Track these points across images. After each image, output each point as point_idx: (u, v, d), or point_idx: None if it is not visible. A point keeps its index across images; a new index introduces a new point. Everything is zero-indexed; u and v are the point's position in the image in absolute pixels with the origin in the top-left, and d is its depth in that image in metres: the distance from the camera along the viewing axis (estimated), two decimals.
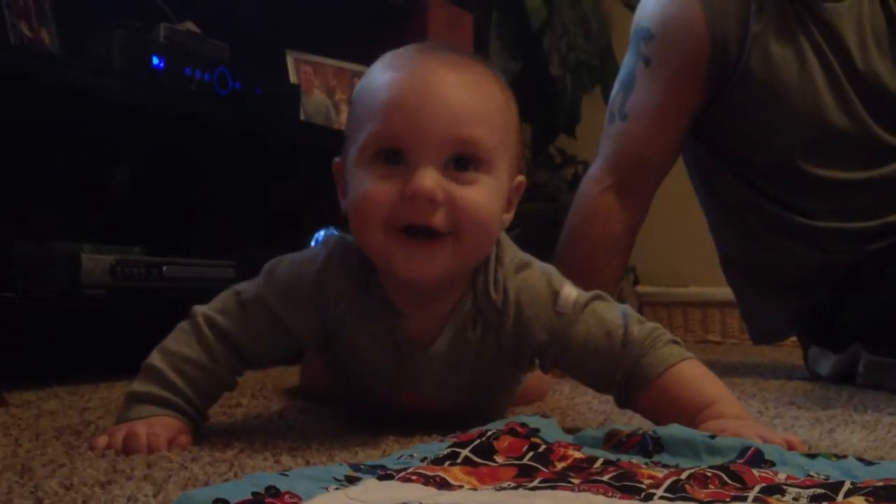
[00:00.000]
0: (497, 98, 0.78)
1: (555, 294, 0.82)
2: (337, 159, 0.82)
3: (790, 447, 0.68)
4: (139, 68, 1.30)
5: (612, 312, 0.82)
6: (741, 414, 0.78)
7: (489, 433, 0.63)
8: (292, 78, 1.68)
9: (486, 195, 0.76)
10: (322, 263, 0.82)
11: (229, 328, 0.82)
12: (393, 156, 0.74)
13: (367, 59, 1.95)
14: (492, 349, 0.83)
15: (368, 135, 0.75)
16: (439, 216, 0.74)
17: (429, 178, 0.73)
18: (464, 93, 0.75)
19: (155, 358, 0.82)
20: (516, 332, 0.82)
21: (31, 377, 1.18)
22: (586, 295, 0.83)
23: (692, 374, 0.81)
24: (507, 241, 0.85)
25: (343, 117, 1.74)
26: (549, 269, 0.85)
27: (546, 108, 2.58)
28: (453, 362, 0.82)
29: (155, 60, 1.32)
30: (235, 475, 0.63)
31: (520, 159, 0.82)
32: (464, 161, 0.75)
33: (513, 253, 0.84)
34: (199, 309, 0.84)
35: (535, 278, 0.82)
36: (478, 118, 0.75)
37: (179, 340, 0.82)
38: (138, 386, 0.80)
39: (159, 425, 0.76)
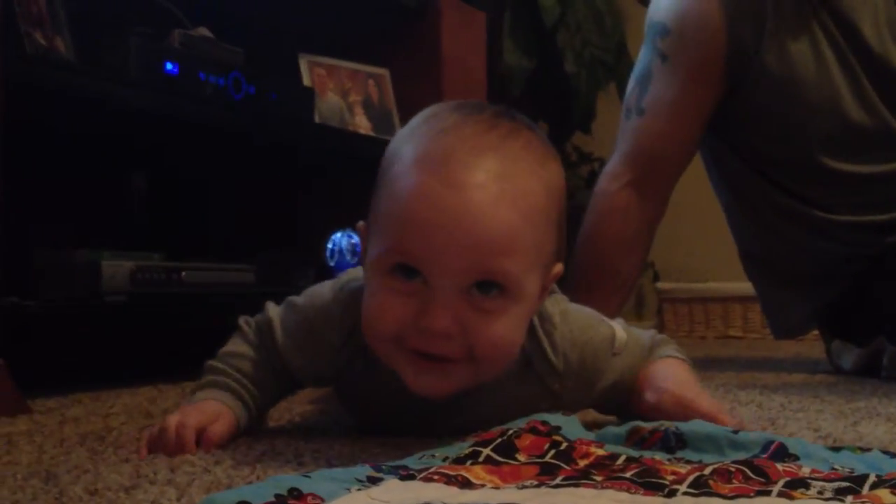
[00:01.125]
0: (538, 201, 0.70)
1: (612, 341, 0.81)
2: (361, 224, 0.76)
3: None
4: (154, 75, 1.31)
5: (638, 330, 0.85)
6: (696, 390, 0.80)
7: (510, 432, 0.62)
8: (306, 81, 1.69)
9: (510, 325, 0.70)
10: (322, 318, 0.79)
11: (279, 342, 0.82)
12: (412, 271, 0.68)
13: (381, 60, 1.96)
14: (538, 396, 0.80)
15: (388, 246, 0.69)
16: (454, 347, 0.69)
17: (446, 315, 0.67)
18: (497, 211, 0.67)
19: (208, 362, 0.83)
20: (575, 385, 0.81)
21: (54, 384, 1.19)
22: (625, 328, 0.83)
23: (670, 363, 0.83)
24: (549, 299, 0.80)
25: (357, 119, 1.74)
26: (598, 314, 0.83)
27: (561, 106, 2.58)
28: (488, 407, 0.76)
29: (169, 66, 1.33)
30: (258, 478, 0.64)
31: (561, 248, 0.75)
32: (489, 286, 0.68)
33: (556, 307, 0.79)
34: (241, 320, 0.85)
35: (594, 334, 0.80)
36: (509, 245, 0.67)
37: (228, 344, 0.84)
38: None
39: (195, 412, 0.75)
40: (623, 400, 0.84)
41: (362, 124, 1.75)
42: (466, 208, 0.66)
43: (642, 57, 1.45)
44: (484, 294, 0.69)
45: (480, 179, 0.67)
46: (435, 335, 0.68)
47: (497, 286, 0.69)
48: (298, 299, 0.83)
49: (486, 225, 0.67)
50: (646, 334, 0.87)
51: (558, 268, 0.76)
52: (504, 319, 0.70)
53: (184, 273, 1.32)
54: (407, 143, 0.72)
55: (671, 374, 0.82)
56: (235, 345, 0.84)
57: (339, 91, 1.74)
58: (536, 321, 0.78)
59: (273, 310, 0.84)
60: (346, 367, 0.81)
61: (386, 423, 0.82)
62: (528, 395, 0.79)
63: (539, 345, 0.79)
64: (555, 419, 0.66)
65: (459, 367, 0.71)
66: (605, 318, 0.83)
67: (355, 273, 0.82)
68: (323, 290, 0.82)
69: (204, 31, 1.48)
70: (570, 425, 0.67)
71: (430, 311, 0.68)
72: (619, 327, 0.83)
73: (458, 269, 0.67)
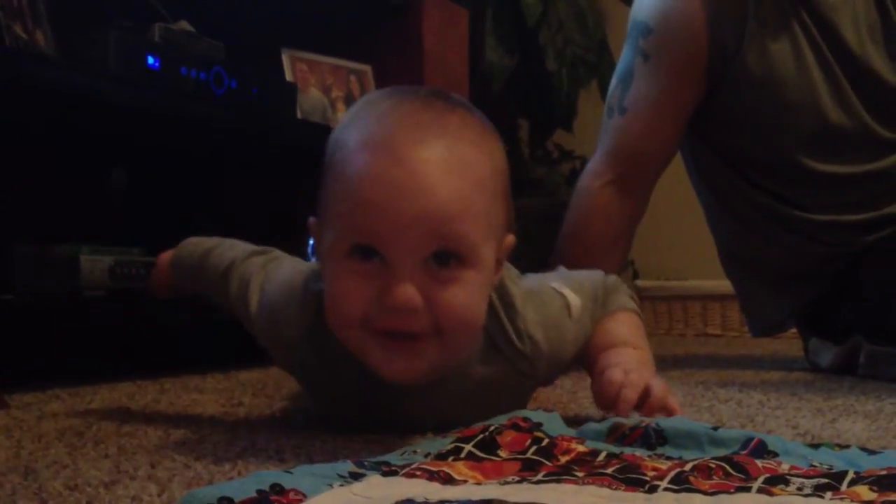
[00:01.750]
0: (482, 172, 0.71)
1: (568, 309, 0.82)
2: (312, 219, 0.76)
3: (670, 412, 0.76)
4: (134, 69, 1.30)
5: (591, 288, 0.86)
6: (641, 358, 0.84)
7: (492, 428, 0.63)
8: (288, 76, 1.68)
9: (471, 293, 0.70)
10: (281, 312, 0.81)
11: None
12: (369, 252, 0.69)
13: (363, 56, 1.95)
14: (508, 375, 0.80)
15: (342, 230, 0.70)
16: (420, 321, 0.69)
17: (408, 288, 0.67)
18: (445, 181, 0.68)
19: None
20: (546, 365, 0.82)
21: (32, 379, 1.18)
22: (579, 291, 0.85)
23: (622, 321, 0.86)
24: (506, 274, 0.80)
25: (340, 115, 1.74)
26: (548, 281, 0.84)
27: (543, 104, 2.58)
28: (455, 393, 0.78)
29: (150, 60, 1.32)
30: (239, 473, 0.63)
31: (510, 220, 0.76)
32: (445, 256, 0.69)
33: (518, 288, 0.80)
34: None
35: (554, 310, 0.81)
36: (461, 211, 0.68)
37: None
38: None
39: None
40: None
41: None
42: (415, 181, 0.67)
43: (625, 56, 1.46)
44: (442, 265, 0.69)
45: (425, 154, 0.68)
46: (400, 310, 0.68)
47: (454, 255, 0.69)
48: (272, 280, 0.85)
49: (436, 194, 0.67)
50: (595, 280, 0.88)
51: (510, 239, 0.77)
52: (464, 287, 0.70)
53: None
54: (348, 131, 0.73)
55: (623, 353, 0.83)
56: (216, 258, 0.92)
57: (321, 86, 1.74)
58: (499, 305, 0.79)
59: (257, 276, 0.86)
60: (304, 362, 0.82)
61: (352, 413, 0.82)
62: (496, 376, 0.80)
63: (503, 330, 0.79)
64: (536, 416, 0.67)
65: (428, 344, 0.70)
66: (554, 282, 0.84)
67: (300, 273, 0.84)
68: (287, 283, 0.83)
69: (185, 25, 1.47)
70: (552, 422, 0.67)
71: (393, 287, 0.68)
72: (568, 291, 0.83)
73: (415, 242, 0.68)
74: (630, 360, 0.82)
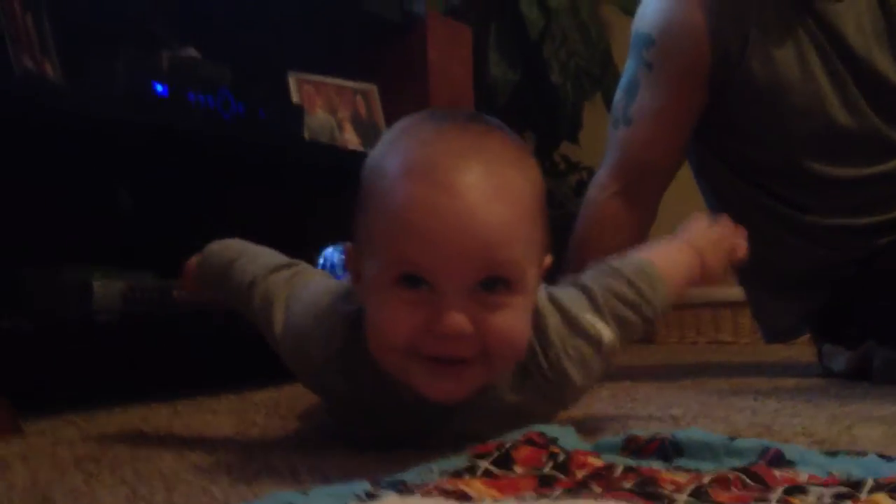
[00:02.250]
0: (525, 195, 0.71)
1: (599, 344, 0.81)
2: (349, 245, 0.77)
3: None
4: (142, 96, 1.31)
5: (632, 317, 0.85)
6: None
7: (507, 444, 0.63)
8: (295, 98, 1.69)
9: (518, 317, 0.71)
10: (306, 335, 0.81)
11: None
12: (416, 280, 0.68)
13: (369, 75, 1.96)
14: (535, 401, 0.80)
15: (389, 259, 0.69)
16: (470, 346, 0.69)
17: (458, 316, 0.67)
18: (492, 208, 0.68)
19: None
20: (572, 394, 0.83)
21: (46, 404, 1.18)
22: (612, 322, 0.83)
23: (673, 267, 0.91)
24: (542, 297, 0.81)
25: (347, 135, 1.75)
26: (582, 308, 0.83)
27: (548, 116, 2.59)
28: (482, 417, 0.77)
29: (158, 88, 1.33)
30: (255, 495, 0.63)
31: (548, 240, 0.76)
32: (493, 282, 0.69)
33: (554, 318, 0.80)
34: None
35: (585, 346, 0.81)
36: (508, 238, 0.68)
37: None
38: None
39: None
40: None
41: (351, 140, 1.75)
42: (462, 209, 0.67)
43: (628, 67, 1.46)
44: (489, 291, 0.69)
45: (470, 180, 0.68)
46: (450, 338, 0.68)
47: (502, 281, 0.69)
48: (298, 298, 0.84)
49: (483, 221, 0.67)
50: (633, 301, 0.86)
51: (548, 259, 0.78)
52: (511, 312, 0.70)
53: (175, 292, 1.31)
54: (388, 158, 0.72)
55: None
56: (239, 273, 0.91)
57: (327, 107, 1.74)
58: (532, 333, 0.78)
59: (281, 294, 0.85)
60: (328, 385, 0.81)
61: (374, 434, 0.82)
62: (524, 402, 0.79)
63: (535, 358, 0.79)
64: (551, 430, 0.66)
65: (473, 368, 0.71)
66: (589, 313, 0.83)
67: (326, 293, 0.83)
68: (315, 303, 0.82)
69: (191, 51, 1.48)
70: (567, 436, 0.67)
71: (442, 314, 0.68)
72: (602, 326, 0.82)
73: (463, 270, 0.68)
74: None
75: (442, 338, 0.68)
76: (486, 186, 0.68)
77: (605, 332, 0.82)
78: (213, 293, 0.99)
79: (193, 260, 1.02)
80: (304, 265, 0.91)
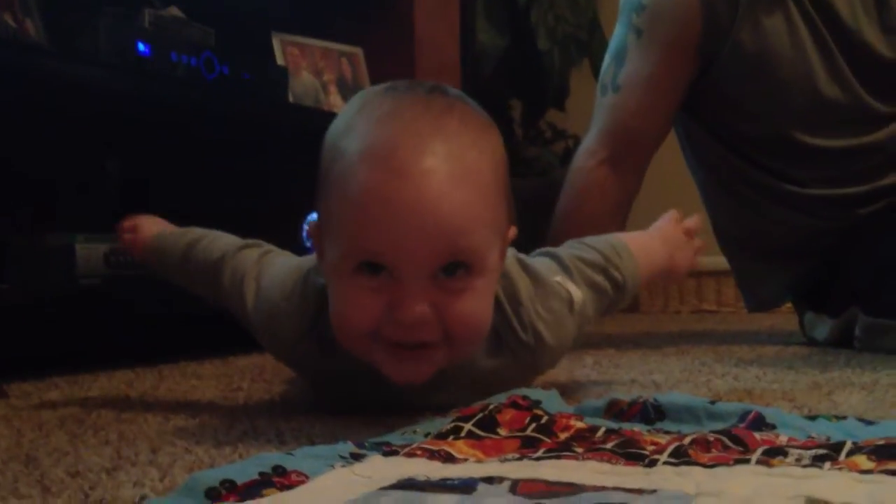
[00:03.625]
0: (485, 175, 0.70)
1: (570, 303, 0.82)
2: (313, 222, 0.76)
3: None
4: (125, 56, 1.29)
5: (599, 279, 0.87)
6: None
7: (491, 406, 0.63)
8: (279, 60, 1.68)
9: (479, 300, 0.71)
10: (278, 310, 0.81)
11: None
12: (376, 267, 0.68)
13: (355, 38, 1.94)
14: (510, 367, 0.81)
15: (348, 247, 0.69)
16: (430, 331, 0.69)
17: (419, 304, 0.67)
18: (451, 194, 0.67)
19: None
20: (549, 356, 0.83)
21: (30, 368, 1.18)
22: (582, 284, 0.85)
23: (641, 246, 0.94)
24: (511, 264, 0.81)
25: (332, 98, 1.74)
26: (551, 271, 0.84)
27: (535, 83, 2.58)
28: (458, 385, 0.78)
29: (141, 47, 1.31)
30: (240, 457, 0.64)
31: (511, 212, 0.76)
32: (453, 267, 0.69)
33: (524, 282, 0.80)
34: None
35: (556, 304, 0.81)
36: (468, 224, 0.68)
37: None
38: None
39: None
40: None
41: (336, 103, 1.74)
42: (420, 196, 0.66)
43: (617, 33, 1.45)
44: (450, 276, 0.69)
45: (428, 165, 0.67)
46: (411, 325, 0.68)
47: (462, 265, 0.69)
48: (268, 274, 0.84)
49: (443, 209, 0.66)
50: (601, 266, 0.88)
51: (512, 231, 0.78)
52: (473, 295, 0.70)
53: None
54: (346, 137, 0.71)
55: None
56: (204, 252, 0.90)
57: (312, 70, 1.73)
58: (504, 297, 0.79)
59: (251, 271, 0.85)
60: (304, 356, 0.81)
61: (353, 403, 0.82)
62: (499, 367, 0.80)
63: (508, 322, 0.79)
64: (535, 393, 0.67)
65: (436, 351, 0.71)
66: (558, 276, 0.84)
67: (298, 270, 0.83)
68: (285, 279, 0.82)
69: (175, 11, 1.47)
70: (550, 399, 0.67)
71: (403, 302, 0.68)
72: (572, 286, 0.84)
73: (423, 258, 0.67)
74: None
75: (403, 325, 0.68)
76: (445, 171, 0.67)
77: (575, 292, 0.83)
78: (166, 272, 0.98)
79: (145, 235, 0.99)
80: (268, 245, 0.91)
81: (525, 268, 0.82)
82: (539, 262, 0.86)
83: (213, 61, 1.42)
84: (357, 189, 0.68)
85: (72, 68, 1.21)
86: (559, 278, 0.84)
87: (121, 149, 1.66)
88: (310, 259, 0.83)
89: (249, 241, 0.91)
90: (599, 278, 0.87)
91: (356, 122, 0.71)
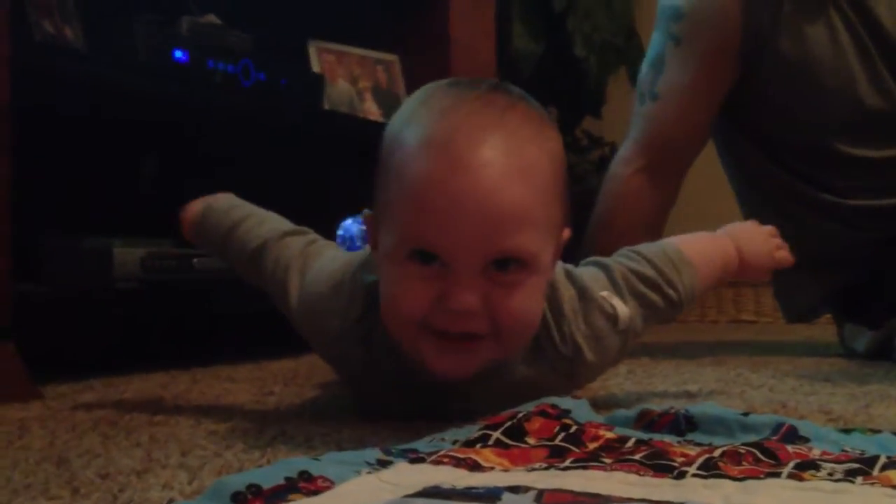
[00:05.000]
0: (544, 172, 0.70)
1: (614, 320, 0.81)
2: (367, 213, 0.76)
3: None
4: (163, 62, 1.31)
5: (652, 296, 0.84)
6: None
7: (520, 415, 0.62)
8: (315, 67, 1.69)
9: (530, 295, 0.71)
10: (325, 304, 0.80)
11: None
12: (429, 257, 0.68)
13: (390, 46, 1.95)
14: (547, 377, 0.80)
15: (403, 234, 0.69)
16: (479, 323, 0.70)
17: (468, 294, 0.68)
18: (508, 188, 0.67)
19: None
20: (587, 370, 0.82)
21: (66, 370, 1.19)
22: (630, 300, 0.83)
23: (702, 254, 0.90)
24: (558, 273, 0.80)
25: (367, 105, 1.74)
26: (598, 284, 0.82)
27: (571, 91, 2.56)
28: (495, 392, 0.77)
29: (178, 54, 1.33)
30: (269, 461, 0.64)
31: (567, 214, 0.75)
32: (506, 262, 0.69)
33: (569, 293, 0.79)
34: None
35: (599, 320, 0.80)
36: (522, 221, 0.68)
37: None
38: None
39: None
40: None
41: (372, 110, 1.75)
42: (477, 189, 0.66)
43: (655, 41, 1.44)
44: (502, 270, 0.69)
45: (487, 157, 0.67)
46: (459, 314, 0.68)
47: (515, 261, 0.69)
48: (314, 267, 0.84)
49: (497, 203, 0.67)
50: (656, 283, 0.85)
51: (567, 232, 0.77)
52: (524, 291, 0.70)
53: (195, 259, 1.32)
54: (407, 128, 0.71)
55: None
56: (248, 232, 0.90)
57: (348, 77, 1.74)
58: (546, 307, 0.78)
59: (296, 262, 0.84)
60: (348, 356, 0.81)
61: (390, 408, 0.82)
62: (537, 376, 0.79)
63: (548, 331, 0.79)
64: (564, 402, 0.66)
65: (483, 344, 0.71)
66: (605, 290, 0.82)
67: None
68: (333, 272, 0.82)
69: (212, 18, 1.48)
70: (580, 408, 0.67)
71: (453, 291, 0.68)
72: (618, 301, 0.82)
73: (476, 251, 0.67)
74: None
75: (452, 313, 0.68)
76: (503, 165, 0.67)
77: (621, 308, 0.81)
78: (210, 250, 0.98)
79: (194, 209, 0.98)
80: (313, 234, 0.91)
81: (572, 279, 0.81)
82: (588, 272, 0.84)
83: (250, 68, 1.43)
84: (414, 177, 0.68)
85: (110, 75, 1.23)
86: (606, 293, 0.82)
87: (158, 154, 1.68)
88: (359, 255, 0.84)
89: (295, 227, 0.91)
90: (653, 296, 0.84)
91: (418, 113, 0.72)
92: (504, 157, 0.68)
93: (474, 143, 0.68)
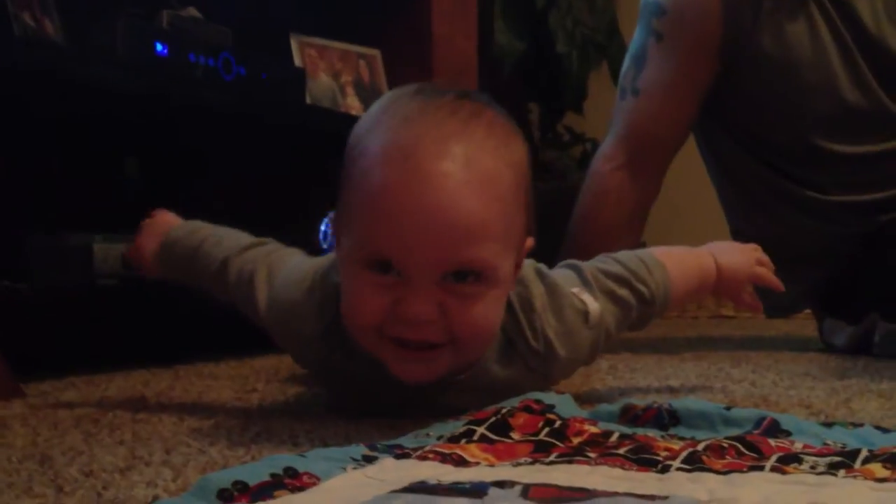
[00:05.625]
0: (505, 185, 0.70)
1: (585, 316, 0.81)
2: (331, 214, 0.76)
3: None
4: (143, 56, 1.30)
5: (622, 291, 0.85)
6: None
7: (504, 411, 0.63)
8: (297, 62, 1.68)
9: (487, 308, 0.71)
10: (297, 311, 0.80)
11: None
12: (386, 265, 0.68)
13: (373, 40, 1.94)
14: (522, 375, 0.80)
15: (361, 241, 0.69)
16: (435, 332, 0.70)
17: (423, 304, 0.68)
18: (466, 201, 0.66)
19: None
20: (559, 367, 0.82)
21: (47, 368, 1.18)
22: (601, 297, 0.83)
23: (678, 260, 0.90)
24: (529, 271, 0.80)
25: (349, 100, 1.74)
26: (569, 282, 0.83)
27: (553, 87, 2.57)
28: (469, 391, 0.77)
29: (159, 47, 1.32)
30: (253, 458, 0.64)
31: (530, 223, 0.75)
32: (463, 274, 0.69)
33: (539, 289, 0.80)
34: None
35: (570, 315, 0.80)
36: (481, 234, 0.67)
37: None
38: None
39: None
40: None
41: (354, 105, 1.74)
42: (435, 200, 0.66)
43: (637, 37, 1.45)
44: (459, 281, 0.69)
45: (447, 168, 0.67)
46: (414, 324, 0.69)
47: (472, 273, 0.69)
48: (279, 275, 0.84)
49: (456, 216, 0.66)
50: (628, 282, 0.86)
51: (529, 242, 0.77)
52: (481, 302, 0.70)
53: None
54: (371, 134, 0.71)
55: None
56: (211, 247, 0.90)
57: (330, 72, 1.73)
58: (517, 303, 0.78)
59: (260, 271, 0.84)
60: (324, 358, 0.81)
61: (366, 406, 0.82)
62: (512, 376, 0.79)
63: (520, 327, 0.79)
64: (548, 398, 0.67)
65: (442, 353, 0.72)
66: (576, 287, 0.83)
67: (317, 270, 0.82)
68: (303, 277, 0.82)
69: (193, 12, 1.47)
70: (564, 404, 0.67)
71: (408, 301, 0.68)
72: (588, 297, 0.82)
73: (432, 262, 0.67)
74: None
75: (406, 322, 0.69)
76: (463, 178, 0.67)
77: (591, 304, 0.82)
78: (179, 278, 0.97)
79: (148, 247, 0.97)
80: (274, 243, 0.91)
81: (542, 276, 0.81)
82: (559, 273, 0.85)
83: (231, 62, 1.42)
84: (373, 186, 0.68)
85: (90, 68, 1.22)
86: (576, 289, 0.83)
87: (139, 149, 1.67)
88: (327, 258, 0.83)
89: (255, 239, 0.91)
90: (623, 291, 0.85)
91: (381, 120, 0.72)
92: (464, 169, 0.67)
93: (435, 153, 0.67)
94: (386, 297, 0.69)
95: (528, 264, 0.81)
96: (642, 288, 0.86)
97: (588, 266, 0.86)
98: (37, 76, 1.18)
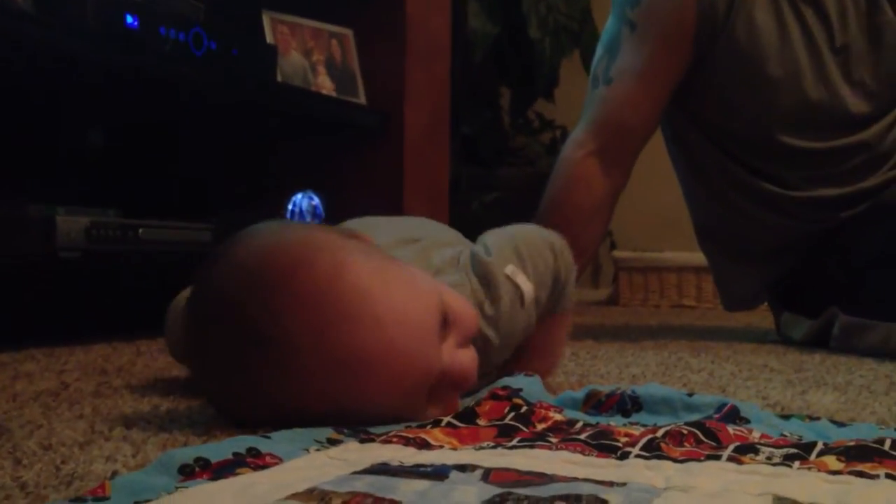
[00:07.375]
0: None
1: (521, 299, 0.80)
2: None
3: None
4: (113, 28, 1.28)
5: (543, 267, 0.83)
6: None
7: (471, 403, 0.63)
8: (269, 38, 1.66)
9: None
10: None
11: None
12: None
13: (345, 19, 1.93)
14: None
15: None
16: None
17: None
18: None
19: None
20: (500, 344, 0.82)
21: (7, 339, 1.17)
22: (531, 273, 0.82)
23: (564, 324, 0.89)
24: (461, 272, 0.80)
25: (320, 79, 1.73)
26: (503, 258, 0.81)
27: (524, 72, 2.57)
28: None
29: (129, 19, 1.30)
30: (215, 437, 0.63)
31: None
32: None
33: (473, 283, 0.79)
34: None
35: (506, 301, 0.79)
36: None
37: None
38: None
39: None
40: None
41: (325, 84, 1.73)
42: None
43: (610, 25, 1.45)
44: None
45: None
46: None
47: None
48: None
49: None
50: (549, 265, 0.83)
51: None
52: None
53: (140, 230, 1.30)
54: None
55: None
56: None
57: (301, 50, 1.72)
58: (475, 282, 0.78)
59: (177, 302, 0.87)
60: None
61: None
62: None
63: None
64: (516, 381, 0.67)
65: None
66: (508, 267, 0.81)
67: None
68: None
69: None
70: (532, 386, 0.67)
71: None
72: (522, 279, 0.81)
73: None
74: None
75: None
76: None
77: (525, 284, 0.81)
78: None
79: None
80: None
81: (476, 266, 0.80)
82: (497, 248, 0.82)
83: (202, 37, 1.40)
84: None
85: (59, 38, 1.20)
86: (510, 269, 0.81)
87: (107, 121, 1.65)
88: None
89: None
90: (550, 278, 0.84)
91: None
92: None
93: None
94: None
95: (464, 255, 0.80)
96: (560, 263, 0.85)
97: (521, 237, 0.84)
98: (3, 44, 1.16)
